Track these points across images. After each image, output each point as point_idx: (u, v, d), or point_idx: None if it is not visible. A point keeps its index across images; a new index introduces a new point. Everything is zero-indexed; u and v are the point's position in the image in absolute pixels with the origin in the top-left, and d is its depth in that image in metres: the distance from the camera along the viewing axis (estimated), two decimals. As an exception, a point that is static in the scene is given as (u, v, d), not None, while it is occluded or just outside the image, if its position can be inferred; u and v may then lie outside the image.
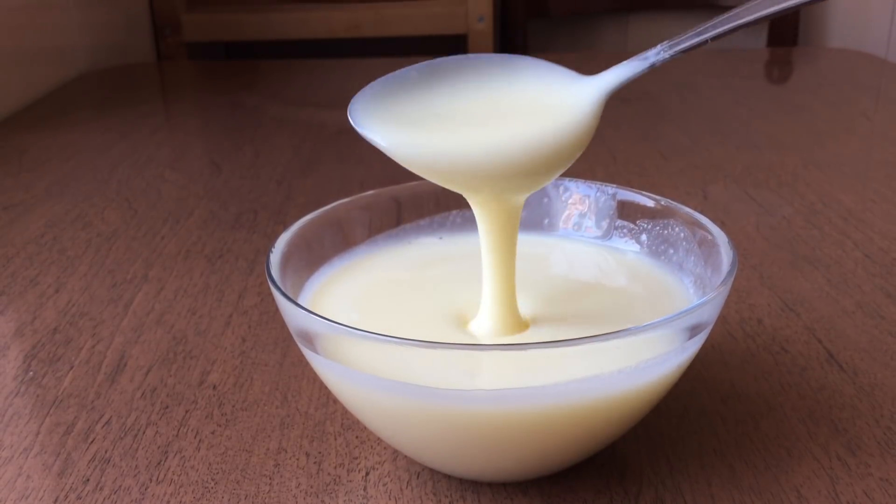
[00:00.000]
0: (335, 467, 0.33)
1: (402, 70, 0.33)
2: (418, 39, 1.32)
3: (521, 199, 0.33)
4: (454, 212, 0.41)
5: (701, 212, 0.36)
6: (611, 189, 0.39)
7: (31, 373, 0.40)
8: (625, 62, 0.32)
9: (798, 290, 0.47)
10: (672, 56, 0.31)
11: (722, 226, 0.34)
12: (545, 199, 0.40)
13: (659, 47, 0.31)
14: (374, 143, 0.32)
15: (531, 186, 0.33)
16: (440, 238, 0.41)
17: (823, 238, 0.53)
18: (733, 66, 1.10)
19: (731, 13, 0.30)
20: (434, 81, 0.33)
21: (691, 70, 1.05)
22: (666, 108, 0.88)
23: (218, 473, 0.33)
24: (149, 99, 0.99)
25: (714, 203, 0.60)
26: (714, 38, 0.31)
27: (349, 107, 0.32)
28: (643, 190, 0.39)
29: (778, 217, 0.57)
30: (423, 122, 0.32)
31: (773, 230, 0.55)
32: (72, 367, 0.41)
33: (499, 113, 0.32)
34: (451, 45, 1.39)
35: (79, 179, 0.67)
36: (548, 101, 0.32)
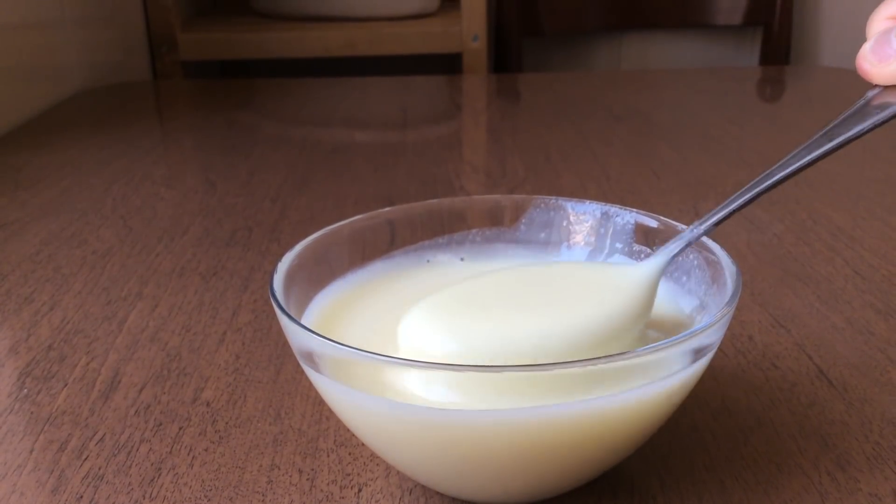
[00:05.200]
0: (328, 484, 0.34)
1: (450, 290, 0.33)
2: (413, 58, 1.32)
3: None
4: (474, 230, 0.41)
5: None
6: (613, 209, 0.39)
7: (26, 390, 0.41)
8: (666, 245, 0.34)
9: (788, 306, 0.47)
10: (705, 231, 0.34)
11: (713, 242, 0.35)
12: (547, 219, 0.40)
13: (692, 226, 0.35)
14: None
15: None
16: (461, 259, 0.41)
17: (814, 255, 0.54)
18: (726, 85, 1.10)
19: (750, 183, 0.33)
20: (484, 288, 0.33)
21: (683, 88, 1.06)
22: (658, 126, 0.89)
23: (211, 490, 0.33)
24: (144, 117, 1.00)
25: (706, 220, 0.60)
26: (738, 209, 0.33)
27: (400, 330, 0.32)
28: (636, 208, 0.39)
29: (769, 234, 0.57)
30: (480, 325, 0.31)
31: (764, 247, 0.55)
32: (66, 385, 0.41)
33: (562, 295, 0.33)
34: (445, 63, 1.40)
35: (74, 197, 0.68)
36: (607, 280, 0.33)
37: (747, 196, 0.33)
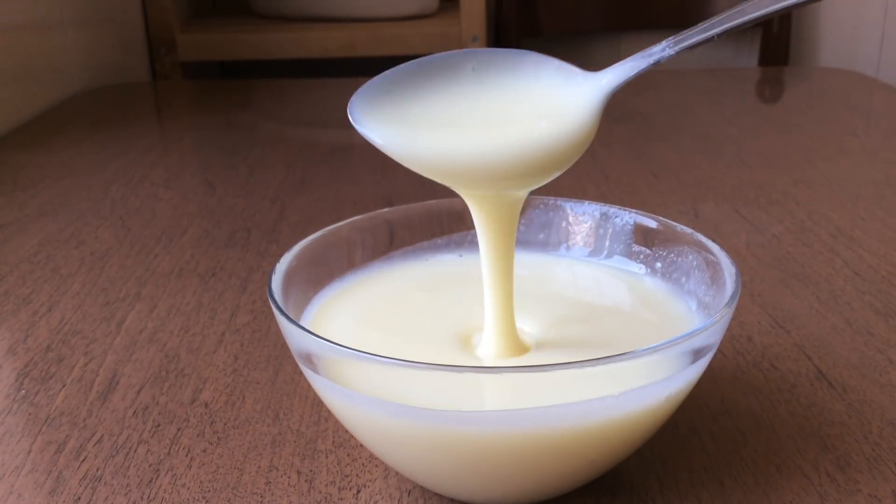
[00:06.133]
0: (326, 485, 0.34)
1: (404, 65, 0.33)
2: (413, 59, 1.32)
3: (519, 196, 0.33)
4: (473, 231, 0.41)
5: (691, 229, 0.37)
6: (612, 210, 0.39)
7: (24, 391, 0.40)
8: (628, 59, 0.31)
9: (788, 307, 0.47)
10: (677, 52, 0.30)
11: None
12: (546, 220, 0.40)
13: (664, 43, 0.31)
14: (371, 141, 0.32)
15: (529, 185, 0.33)
16: (460, 256, 0.41)
17: (813, 256, 0.54)
18: (725, 86, 1.10)
19: (735, 10, 0.30)
20: (436, 78, 0.33)
21: (683, 89, 1.06)
22: (657, 127, 0.89)
23: (209, 492, 0.33)
24: (143, 118, 0.99)
25: (705, 221, 0.60)
26: (720, 35, 0.30)
27: (349, 104, 0.32)
28: (635, 208, 0.39)
29: (768, 235, 0.57)
30: (422, 122, 0.32)
31: (763, 248, 0.55)
32: (64, 386, 0.41)
33: (499, 113, 0.32)
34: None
35: (73, 198, 0.67)
36: (549, 101, 0.32)
37: (729, 24, 0.29)
